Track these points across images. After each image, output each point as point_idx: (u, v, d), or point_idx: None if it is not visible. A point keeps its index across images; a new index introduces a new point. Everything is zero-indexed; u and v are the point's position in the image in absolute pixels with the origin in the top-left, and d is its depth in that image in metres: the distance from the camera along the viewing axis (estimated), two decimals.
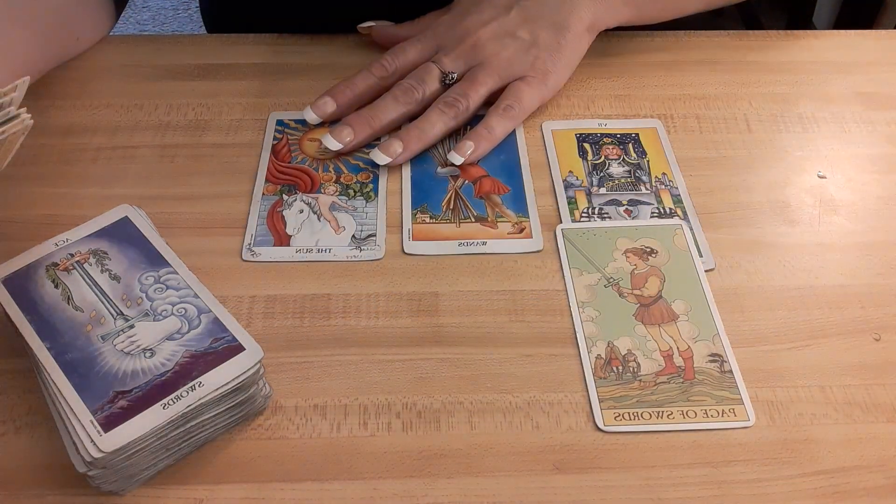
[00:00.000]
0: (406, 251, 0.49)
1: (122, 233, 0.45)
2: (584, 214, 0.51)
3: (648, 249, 0.49)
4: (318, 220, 0.50)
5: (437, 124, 0.53)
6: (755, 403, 0.42)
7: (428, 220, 0.51)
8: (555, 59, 0.56)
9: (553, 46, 0.56)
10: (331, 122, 0.55)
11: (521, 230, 0.50)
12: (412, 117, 0.55)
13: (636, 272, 0.48)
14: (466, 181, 0.53)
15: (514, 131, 0.56)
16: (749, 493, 0.39)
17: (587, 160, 0.55)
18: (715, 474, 0.39)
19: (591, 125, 0.57)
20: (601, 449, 0.40)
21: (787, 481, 0.39)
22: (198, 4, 0.85)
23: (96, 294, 0.42)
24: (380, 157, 0.52)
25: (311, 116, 0.54)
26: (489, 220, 0.51)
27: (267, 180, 0.53)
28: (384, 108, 0.54)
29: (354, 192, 0.52)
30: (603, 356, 0.44)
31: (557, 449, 0.40)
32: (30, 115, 0.39)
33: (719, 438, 0.41)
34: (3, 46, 0.52)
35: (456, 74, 0.55)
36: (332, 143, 0.53)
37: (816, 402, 0.42)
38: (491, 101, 0.56)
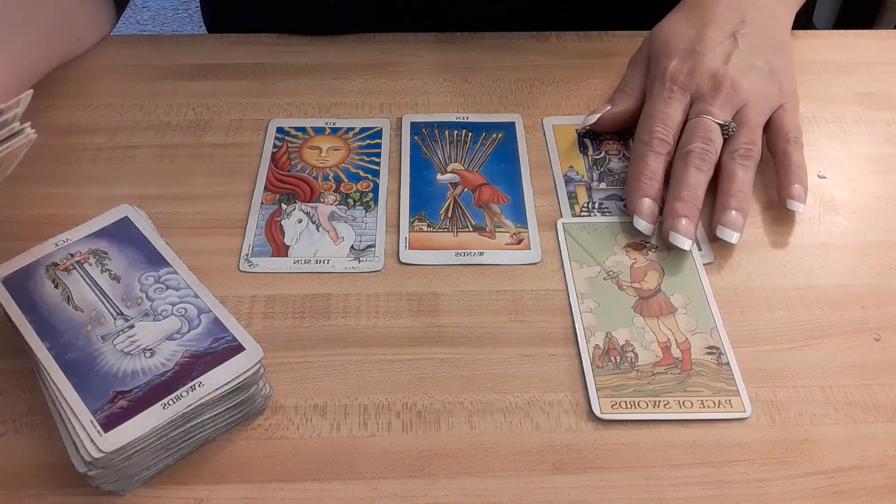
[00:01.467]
0: (402, 261, 0.49)
1: (122, 233, 0.45)
2: (584, 209, 0.51)
3: (648, 244, 0.49)
4: (317, 230, 0.50)
5: (749, 182, 0.50)
6: (755, 403, 0.42)
7: (425, 228, 0.50)
8: (791, 78, 0.55)
9: (786, 68, 0.55)
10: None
11: (520, 241, 0.50)
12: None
13: (636, 266, 0.48)
14: (466, 189, 0.53)
15: (515, 134, 0.56)
16: (749, 493, 0.39)
17: (587, 155, 0.55)
18: (715, 474, 0.39)
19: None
20: (601, 449, 0.40)
21: (786, 481, 0.39)
22: (198, 4, 0.85)
23: (96, 294, 0.42)
24: (686, 243, 0.48)
25: (648, 228, 0.49)
26: (487, 229, 0.51)
27: (266, 189, 0.52)
28: (696, 183, 0.49)
29: (354, 201, 0.52)
30: (601, 346, 0.44)
31: (557, 449, 0.40)
32: (34, 130, 0.39)
33: (720, 438, 0.41)
34: (4, 48, 0.52)
35: (733, 123, 0.51)
36: (686, 243, 0.48)
37: (816, 402, 0.42)
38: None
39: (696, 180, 0.49)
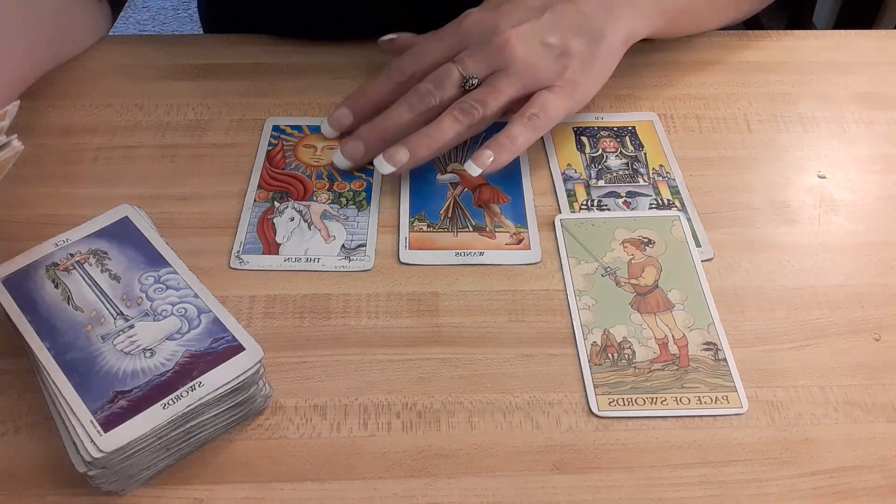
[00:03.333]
0: (402, 260, 0.49)
1: (122, 233, 0.45)
2: (583, 206, 0.52)
3: (646, 240, 0.49)
4: (309, 228, 0.50)
5: (448, 132, 0.50)
6: (755, 403, 0.42)
7: (425, 228, 0.50)
8: (585, 70, 0.52)
9: (585, 57, 0.52)
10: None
11: (520, 241, 0.50)
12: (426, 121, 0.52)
13: (633, 262, 0.48)
14: (466, 189, 0.53)
15: None
16: (749, 493, 0.39)
17: (585, 153, 0.55)
18: (715, 474, 0.39)
19: (588, 118, 0.58)
20: (601, 449, 0.40)
21: (786, 481, 0.39)
22: (197, 5, 0.85)
23: (96, 294, 0.42)
24: (384, 166, 0.50)
25: (327, 130, 0.52)
26: (487, 229, 0.51)
27: (259, 186, 0.52)
28: (398, 117, 0.51)
29: (347, 200, 0.52)
30: (599, 343, 0.44)
31: (557, 449, 0.40)
32: (20, 143, 0.39)
33: (720, 438, 0.41)
34: None
35: (477, 79, 0.51)
36: (343, 162, 0.50)
37: (816, 401, 0.42)
38: (512, 110, 0.52)
39: (399, 114, 0.50)
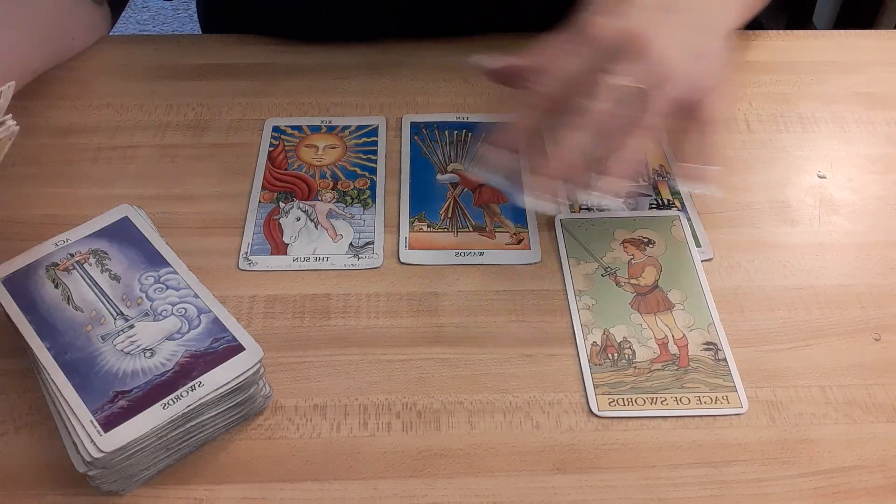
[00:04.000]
0: (402, 260, 0.49)
1: (122, 233, 0.45)
2: (583, 207, 0.51)
3: (646, 240, 0.49)
4: (316, 227, 0.50)
5: (639, 152, 0.46)
6: (755, 403, 0.42)
7: (426, 228, 0.50)
8: (722, 65, 0.50)
9: (717, 52, 0.50)
10: None
11: (520, 241, 0.50)
12: None
13: (633, 262, 0.48)
14: (466, 189, 0.53)
15: None
16: (749, 493, 0.39)
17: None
18: (715, 474, 0.39)
19: None
20: (601, 449, 0.40)
21: (786, 481, 0.39)
22: (196, 4, 0.84)
23: (96, 294, 0.42)
24: (608, 200, 0.45)
25: (531, 203, 0.45)
26: (487, 229, 0.51)
27: (263, 188, 0.52)
28: (578, 141, 0.45)
29: (352, 198, 0.52)
30: (599, 343, 0.44)
31: (557, 449, 0.40)
32: (15, 122, 0.39)
33: (720, 438, 0.41)
34: None
35: (640, 88, 0.46)
36: (551, 208, 0.45)
37: (816, 401, 0.42)
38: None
39: (579, 138, 0.45)
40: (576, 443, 0.41)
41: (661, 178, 0.53)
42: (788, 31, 0.66)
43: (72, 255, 0.43)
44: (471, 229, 0.50)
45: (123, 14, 0.68)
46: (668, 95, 0.47)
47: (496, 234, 0.50)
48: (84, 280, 0.42)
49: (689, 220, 0.51)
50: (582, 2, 0.52)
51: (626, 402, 0.42)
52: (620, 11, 0.49)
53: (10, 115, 0.39)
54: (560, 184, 0.45)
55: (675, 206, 0.52)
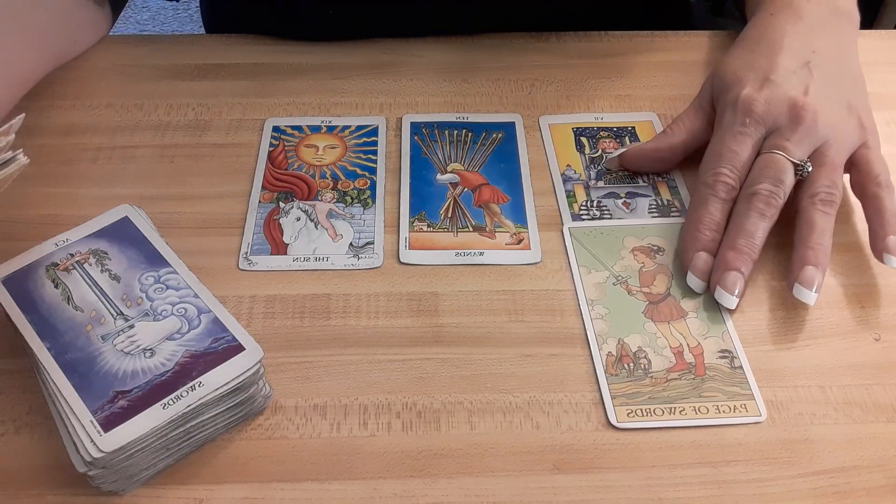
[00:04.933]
0: (402, 261, 0.49)
1: (122, 233, 0.45)
2: (582, 207, 0.51)
3: (655, 247, 0.49)
4: (316, 227, 0.50)
5: (828, 231, 0.45)
6: None
7: (425, 228, 0.50)
8: (870, 113, 0.50)
9: (863, 102, 0.50)
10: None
11: (520, 241, 0.50)
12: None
13: (644, 270, 0.48)
14: (466, 189, 0.53)
15: (514, 135, 0.56)
16: (749, 493, 0.39)
17: (584, 154, 0.55)
18: (715, 474, 0.39)
19: (588, 119, 0.58)
20: (601, 449, 0.40)
21: (787, 481, 0.39)
22: (198, 4, 0.85)
23: (96, 294, 0.42)
24: (731, 302, 0.45)
25: (698, 285, 0.46)
26: (487, 229, 0.51)
27: (263, 188, 0.52)
28: (755, 231, 0.45)
29: (352, 198, 0.52)
30: (614, 353, 0.44)
31: (557, 449, 0.40)
32: (26, 157, 0.39)
33: (720, 438, 0.41)
34: None
35: (809, 163, 0.46)
36: (732, 302, 0.44)
37: (816, 401, 0.42)
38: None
39: (755, 227, 0.45)
40: (576, 443, 0.41)
41: (660, 179, 0.53)
42: None
43: (72, 255, 0.43)
44: (471, 229, 0.50)
45: (123, 14, 0.68)
46: (834, 160, 0.47)
47: (496, 234, 0.50)
48: (84, 280, 0.42)
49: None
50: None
51: (645, 413, 0.41)
52: (773, 76, 0.48)
53: (21, 150, 0.39)
54: (738, 275, 0.44)
55: (675, 207, 0.51)
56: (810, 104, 0.47)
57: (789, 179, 0.46)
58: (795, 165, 0.47)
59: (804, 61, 0.50)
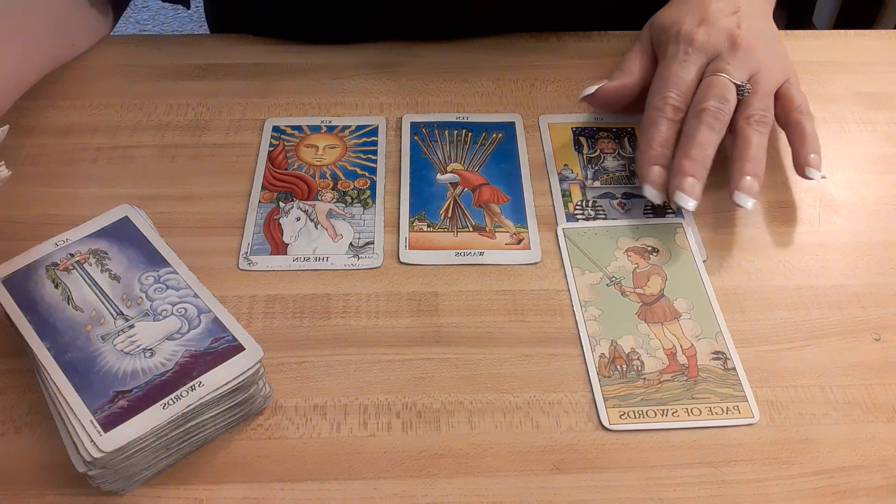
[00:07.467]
0: (402, 260, 0.49)
1: (122, 233, 0.45)
2: (577, 207, 0.51)
3: (650, 248, 0.49)
4: (316, 227, 0.50)
5: (763, 148, 0.50)
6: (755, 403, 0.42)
7: (425, 228, 0.50)
8: (791, 63, 0.55)
9: (782, 49, 0.55)
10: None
11: (520, 241, 0.50)
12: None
13: (638, 271, 0.48)
14: (466, 189, 0.53)
15: (514, 134, 0.56)
16: (749, 493, 0.39)
17: (582, 153, 0.55)
18: (715, 474, 0.39)
19: (588, 119, 0.57)
20: (601, 449, 0.40)
21: (787, 481, 0.39)
22: (198, 4, 0.84)
23: (96, 294, 0.42)
24: (690, 203, 0.48)
25: (655, 195, 0.49)
26: (487, 229, 0.51)
27: (263, 187, 0.52)
28: (707, 141, 0.49)
29: (352, 198, 0.52)
30: (606, 355, 0.44)
31: (557, 449, 0.40)
32: (8, 170, 0.40)
33: (720, 438, 0.41)
34: None
35: (748, 85, 0.51)
36: (691, 203, 0.47)
37: (816, 401, 0.42)
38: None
39: (707, 139, 0.49)
40: (576, 443, 0.41)
41: None
42: (788, 31, 0.66)
43: (72, 255, 0.43)
44: (471, 229, 0.50)
45: (123, 14, 0.68)
46: (766, 87, 0.52)
47: (496, 234, 0.50)
48: (84, 280, 0.42)
49: (690, 223, 0.51)
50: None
51: (637, 415, 0.41)
52: (712, 14, 0.54)
53: (3, 162, 0.39)
54: (695, 181, 0.48)
55: (670, 208, 0.51)
56: (745, 35, 0.52)
57: (732, 98, 0.50)
58: (738, 86, 0.51)
59: (732, 11, 0.54)
